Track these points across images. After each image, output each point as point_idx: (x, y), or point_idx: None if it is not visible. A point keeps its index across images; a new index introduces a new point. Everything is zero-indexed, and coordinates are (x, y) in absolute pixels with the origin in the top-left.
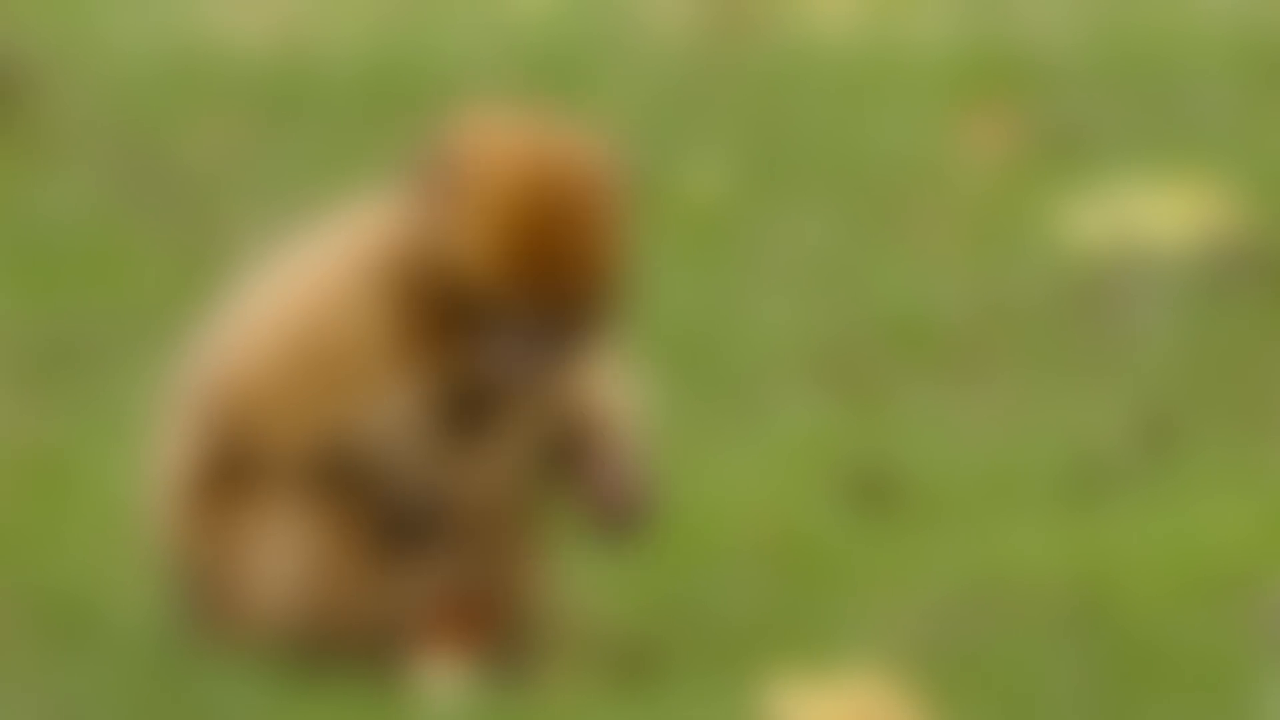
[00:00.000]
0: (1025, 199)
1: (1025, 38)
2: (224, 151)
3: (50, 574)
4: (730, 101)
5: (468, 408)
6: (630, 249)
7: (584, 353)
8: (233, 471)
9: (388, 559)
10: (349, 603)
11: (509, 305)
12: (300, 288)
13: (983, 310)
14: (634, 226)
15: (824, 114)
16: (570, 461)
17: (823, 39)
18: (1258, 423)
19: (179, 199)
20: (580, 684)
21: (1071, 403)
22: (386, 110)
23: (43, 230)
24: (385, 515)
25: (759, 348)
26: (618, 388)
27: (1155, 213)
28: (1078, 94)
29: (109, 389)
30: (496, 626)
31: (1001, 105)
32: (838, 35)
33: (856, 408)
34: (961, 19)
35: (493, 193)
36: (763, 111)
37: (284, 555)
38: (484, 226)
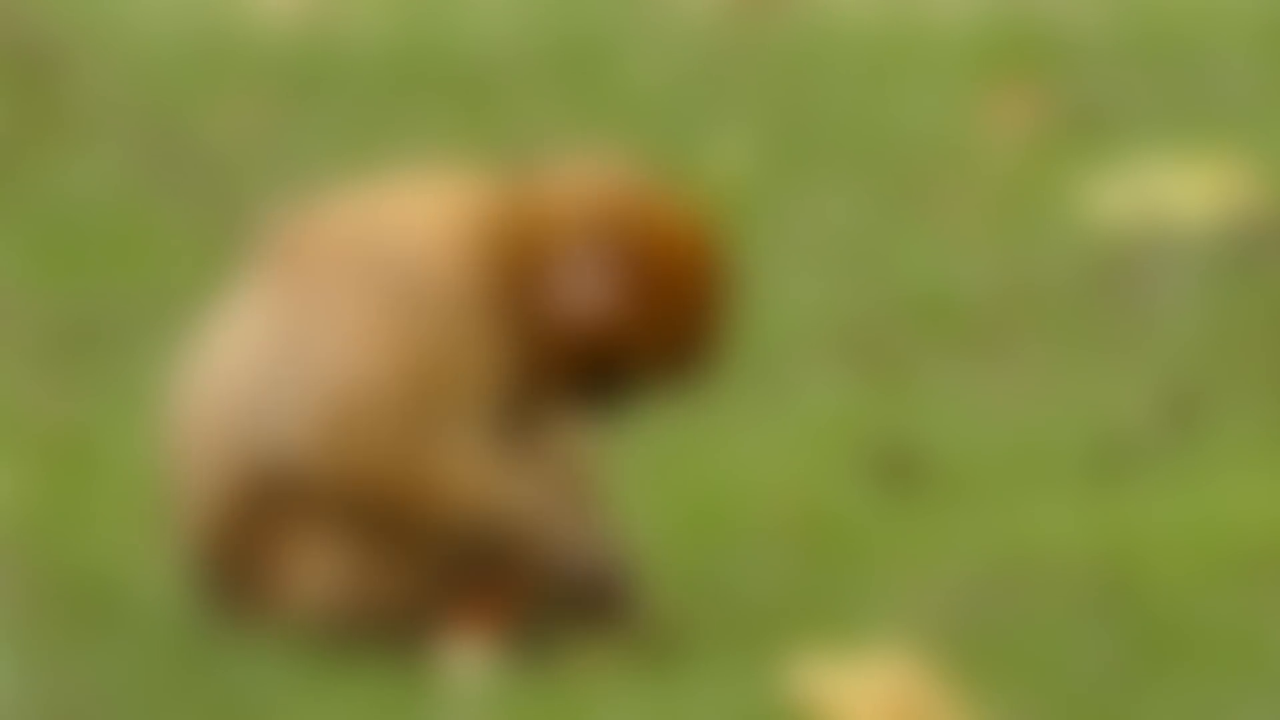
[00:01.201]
0: (1049, 176)
1: (1049, 15)
2: (248, 131)
3: (75, 554)
4: (754, 81)
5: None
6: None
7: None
8: (280, 497)
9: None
10: (380, 589)
11: (651, 363)
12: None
13: (1007, 287)
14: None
15: (848, 93)
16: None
17: (846, 17)
18: None
19: (203, 178)
20: (604, 665)
21: (1096, 379)
22: (411, 90)
23: (67, 210)
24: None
25: (784, 326)
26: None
27: (1179, 189)
28: (1101, 71)
29: (133, 368)
30: (520, 608)
31: (1025, 83)
32: (861, 13)
33: (881, 386)
34: None
35: (641, 259)
36: (786, 91)
37: (327, 558)
38: (634, 294)
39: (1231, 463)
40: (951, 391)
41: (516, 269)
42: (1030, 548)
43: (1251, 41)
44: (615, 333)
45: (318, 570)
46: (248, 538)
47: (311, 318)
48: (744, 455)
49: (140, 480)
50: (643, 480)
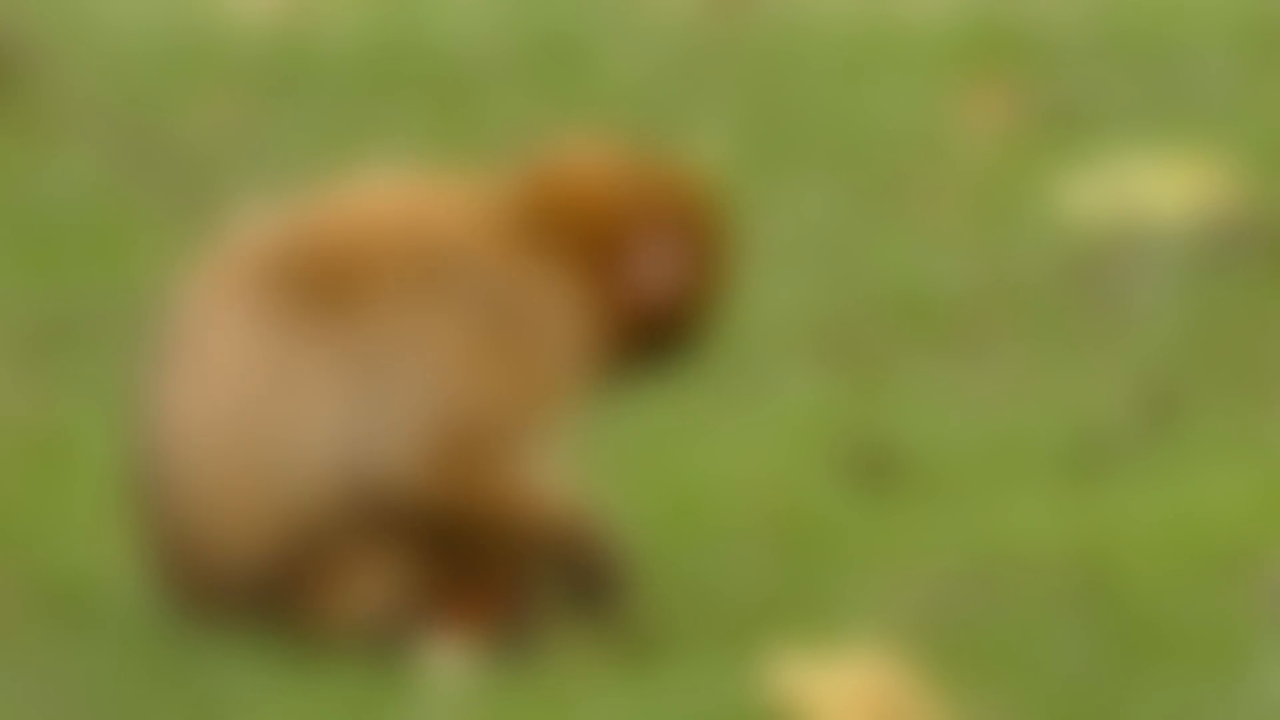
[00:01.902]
0: (1025, 173)
1: (1025, 11)
2: (224, 129)
3: (50, 553)
4: (730, 77)
5: None
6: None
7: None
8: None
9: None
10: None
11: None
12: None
13: (983, 285)
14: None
15: (823, 89)
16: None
17: (822, 14)
18: (1259, 396)
19: (179, 177)
20: (583, 662)
21: (1073, 377)
22: (388, 88)
23: (43, 208)
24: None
25: (761, 323)
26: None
27: (1156, 186)
28: (1078, 68)
29: (110, 367)
30: (499, 605)
31: (1001, 79)
32: (837, 10)
33: (858, 383)
34: None
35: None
36: (762, 87)
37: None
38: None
39: (1208, 460)
40: (928, 388)
41: (582, 251)
42: (1007, 545)
43: (1228, 38)
44: (683, 297)
45: (377, 584)
46: (313, 554)
47: (385, 336)
48: (721, 452)
49: (116, 479)
50: (620, 476)
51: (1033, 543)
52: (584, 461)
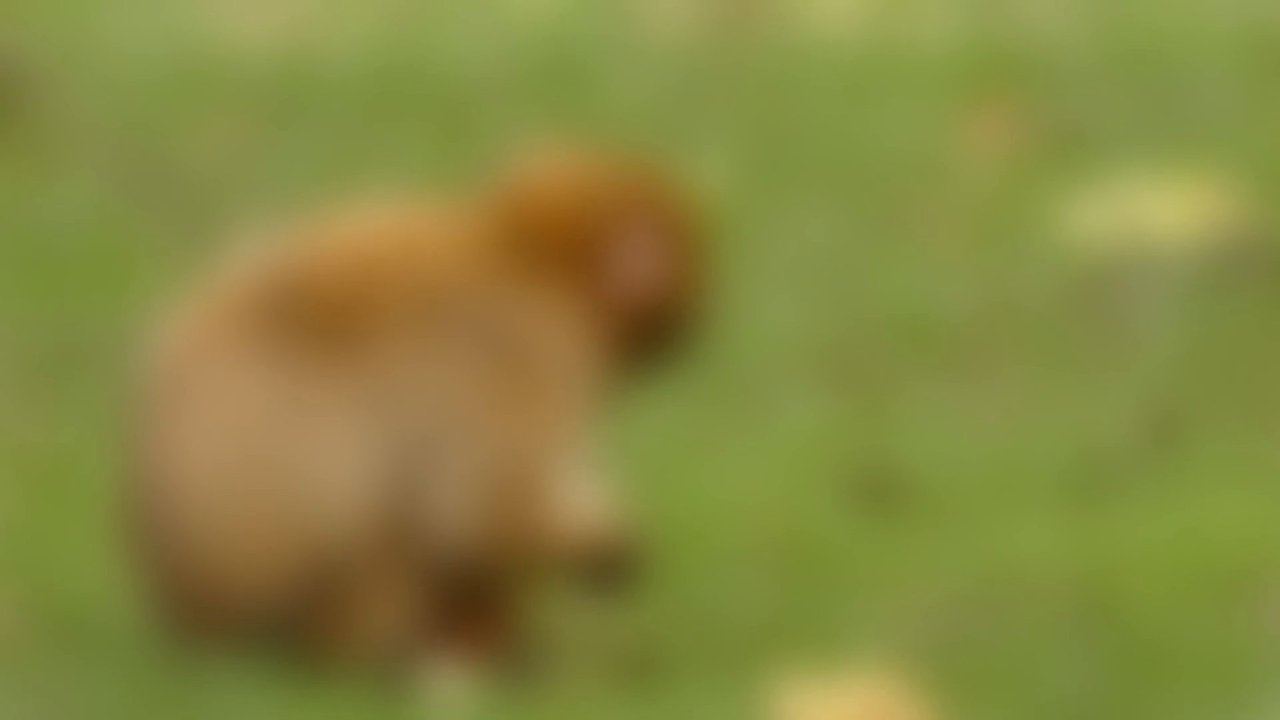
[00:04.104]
0: (1029, 195)
1: (1028, 34)
2: (227, 153)
3: (53, 578)
4: (733, 99)
5: None
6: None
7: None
8: None
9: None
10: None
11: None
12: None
13: (987, 307)
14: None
15: (827, 111)
16: None
17: (825, 36)
18: (1263, 418)
19: (183, 201)
20: (587, 686)
21: (1076, 399)
22: (390, 112)
23: (46, 233)
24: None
25: (764, 346)
26: None
27: (1159, 208)
28: (1081, 90)
29: (112, 392)
30: (503, 631)
31: (1005, 101)
32: (840, 32)
33: (861, 405)
34: (964, 15)
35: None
36: (766, 109)
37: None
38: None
39: (1211, 482)
40: (932, 411)
41: (562, 258)
42: (1010, 567)
43: (1231, 61)
44: (667, 293)
45: (387, 613)
46: (330, 588)
47: (396, 372)
48: (725, 474)
49: (115, 508)
50: (625, 498)
51: (1036, 565)
52: (606, 468)
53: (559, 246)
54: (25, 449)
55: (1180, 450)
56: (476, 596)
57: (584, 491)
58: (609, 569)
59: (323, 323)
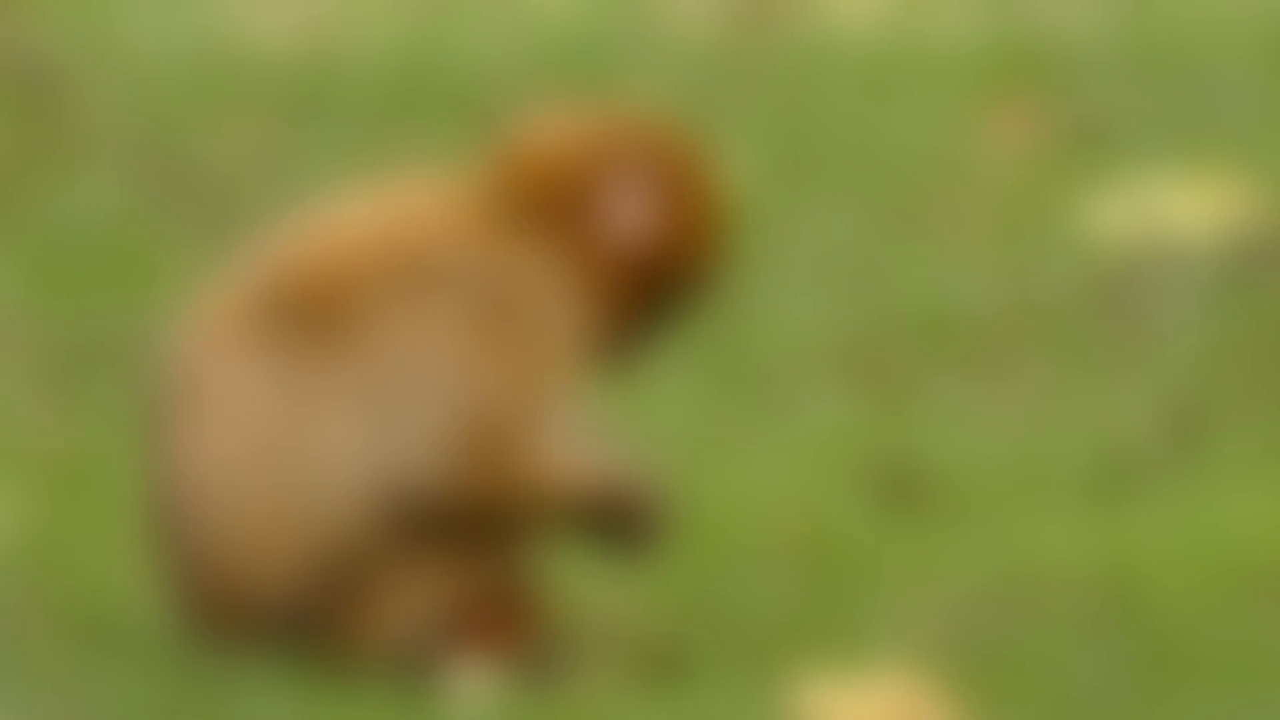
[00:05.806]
0: (1050, 193)
1: (1049, 31)
2: (249, 152)
3: (76, 577)
4: (755, 97)
5: None
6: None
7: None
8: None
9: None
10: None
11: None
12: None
13: (1008, 305)
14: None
15: (849, 109)
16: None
17: (846, 34)
18: None
19: (204, 200)
20: (608, 684)
21: (1099, 396)
22: (411, 110)
23: (68, 232)
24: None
25: (785, 343)
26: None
27: (1180, 206)
28: (1102, 88)
29: (134, 391)
30: (525, 628)
31: (1026, 99)
32: (861, 30)
33: (883, 403)
34: (985, 13)
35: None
36: (787, 107)
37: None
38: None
39: (1234, 479)
40: (954, 408)
41: (553, 213)
42: (1033, 565)
43: (1252, 57)
44: (663, 245)
45: (408, 607)
46: (347, 577)
47: (387, 349)
48: (747, 472)
49: (138, 508)
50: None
51: (1058, 562)
52: (605, 417)
53: (548, 196)
54: (48, 447)
55: (1202, 447)
56: (497, 592)
57: (585, 444)
58: (622, 523)
59: (315, 310)
